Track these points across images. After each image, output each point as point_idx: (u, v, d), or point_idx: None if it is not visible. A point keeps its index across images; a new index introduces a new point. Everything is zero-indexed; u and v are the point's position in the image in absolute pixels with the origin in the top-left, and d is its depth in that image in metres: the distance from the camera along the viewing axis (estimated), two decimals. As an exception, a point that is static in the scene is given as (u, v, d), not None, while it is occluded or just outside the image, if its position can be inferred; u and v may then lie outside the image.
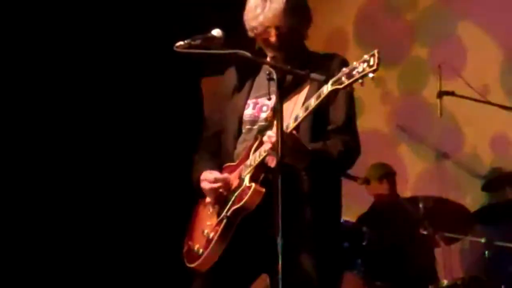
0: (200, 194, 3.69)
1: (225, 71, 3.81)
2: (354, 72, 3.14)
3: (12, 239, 6.06)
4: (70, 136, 6.41)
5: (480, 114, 6.31)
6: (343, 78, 3.18)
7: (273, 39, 3.54)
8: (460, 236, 5.69)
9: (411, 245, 5.75)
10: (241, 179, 3.51)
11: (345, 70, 3.19)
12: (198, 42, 3.40)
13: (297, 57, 3.57)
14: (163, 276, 6.46)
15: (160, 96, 6.84)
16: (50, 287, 6.16)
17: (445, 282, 5.36)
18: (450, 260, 6.08)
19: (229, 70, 3.79)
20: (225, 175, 3.59)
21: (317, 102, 3.29)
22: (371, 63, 3.10)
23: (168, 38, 3.56)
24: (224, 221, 3.51)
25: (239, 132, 3.64)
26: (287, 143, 3.26)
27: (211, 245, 3.54)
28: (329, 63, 3.53)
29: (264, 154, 3.41)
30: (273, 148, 3.28)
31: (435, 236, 5.55)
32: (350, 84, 3.17)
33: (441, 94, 5.79)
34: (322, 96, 3.27)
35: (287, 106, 3.42)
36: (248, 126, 3.62)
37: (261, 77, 3.65)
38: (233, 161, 3.62)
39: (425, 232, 5.50)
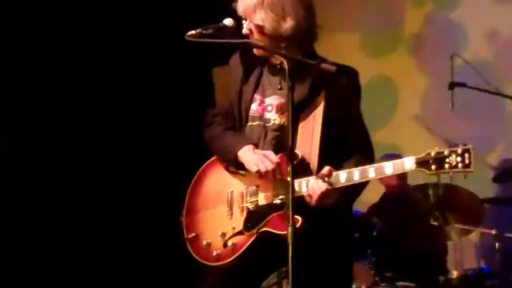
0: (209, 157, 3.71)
1: (230, 59, 3.78)
2: (444, 162, 3.08)
3: (15, 240, 6.07)
4: (79, 129, 6.43)
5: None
6: (431, 163, 3.11)
7: (244, 31, 3.53)
8: (471, 227, 5.68)
9: (421, 236, 5.75)
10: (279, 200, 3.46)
11: (432, 154, 3.12)
12: (209, 31, 3.40)
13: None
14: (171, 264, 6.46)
15: (171, 86, 6.84)
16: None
17: (455, 273, 5.37)
18: (460, 251, 6.08)
19: (234, 57, 3.75)
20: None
21: (393, 172, 3.26)
22: (466, 161, 3.03)
23: (180, 27, 3.56)
24: (254, 237, 3.48)
25: (244, 123, 3.63)
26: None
27: (235, 256, 3.51)
28: (339, 77, 3.45)
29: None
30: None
31: (445, 228, 5.54)
32: (438, 174, 3.13)
33: (452, 85, 5.77)
34: (405, 170, 3.21)
35: (306, 124, 3.44)
36: (251, 122, 3.60)
37: (268, 74, 3.64)
38: None
39: (435, 223, 5.50)
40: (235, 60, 3.74)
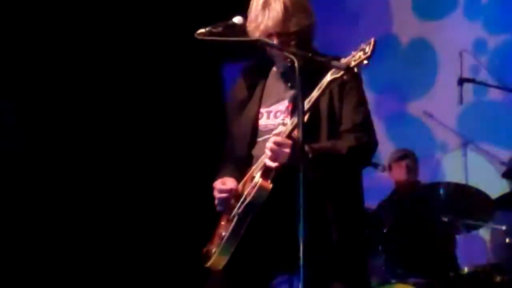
0: None
1: (233, 84, 3.83)
2: (351, 60, 3.22)
3: (21, 240, 6.12)
4: (86, 127, 6.45)
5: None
6: (343, 67, 3.23)
7: (279, 46, 3.52)
8: (481, 223, 5.67)
9: (431, 232, 5.74)
10: (253, 178, 3.52)
11: (343, 60, 3.24)
12: (219, 29, 3.40)
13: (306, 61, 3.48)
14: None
15: (181, 83, 6.85)
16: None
17: (465, 269, 5.36)
18: (470, 247, 6.07)
19: (237, 82, 3.80)
20: (233, 186, 3.59)
21: (318, 93, 3.33)
22: (366, 50, 3.18)
23: (190, 25, 3.57)
24: (235, 218, 3.51)
25: (253, 139, 3.64)
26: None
27: (222, 243, 3.54)
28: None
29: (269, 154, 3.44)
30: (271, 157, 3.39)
31: (455, 223, 5.54)
32: (347, 72, 3.23)
33: (461, 81, 5.76)
34: (323, 86, 3.32)
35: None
36: (265, 136, 3.60)
37: (270, 83, 3.68)
38: (249, 166, 3.62)
39: (445, 219, 5.50)
40: (239, 82, 3.78)
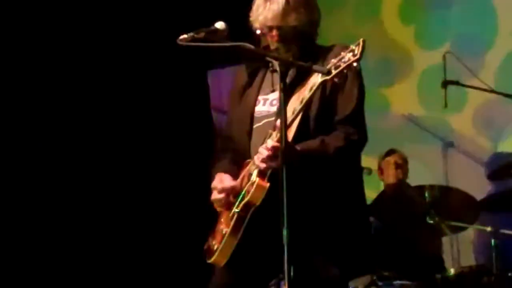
0: None
1: (237, 71, 3.85)
2: (340, 62, 3.19)
3: (20, 244, 6.12)
4: (76, 133, 6.44)
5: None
6: (332, 69, 3.22)
7: (275, 39, 3.56)
8: (467, 224, 5.69)
9: (417, 234, 5.76)
10: (250, 175, 3.54)
11: (333, 60, 3.22)
12: (201, 35, 3.39)
13: (303, 55, 3.52)
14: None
15: (166, 89, 6.85)
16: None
17: (452, 271, 5.38)
18: (456, 249, 6.09)
19: (239, 69, 3.82)
20: (232, 184, 3.62)
21: (309, 94, 3.35)
22: (356, 52, 3.14)
23: (173, 31, 3.57)
24: (235, 216, 3.54)
25: (251, 127, 3.66)
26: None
27: (224, 239, 3.58)
28: (327, 55, 3.49)
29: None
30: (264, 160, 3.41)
31: (441, 225, 5.56)
32: (337, 75, 3.20)
33: (446, 83, 5.78)
34: (314, 87, 3.32)
35: (292, 103, 3.44)
36: (259, 123, 3.64)
37: (272, 73, 3.68)
38: (249, 157, 3.62)
39: (431, 222, 5.51)
40: (240, 69, 3.81)
